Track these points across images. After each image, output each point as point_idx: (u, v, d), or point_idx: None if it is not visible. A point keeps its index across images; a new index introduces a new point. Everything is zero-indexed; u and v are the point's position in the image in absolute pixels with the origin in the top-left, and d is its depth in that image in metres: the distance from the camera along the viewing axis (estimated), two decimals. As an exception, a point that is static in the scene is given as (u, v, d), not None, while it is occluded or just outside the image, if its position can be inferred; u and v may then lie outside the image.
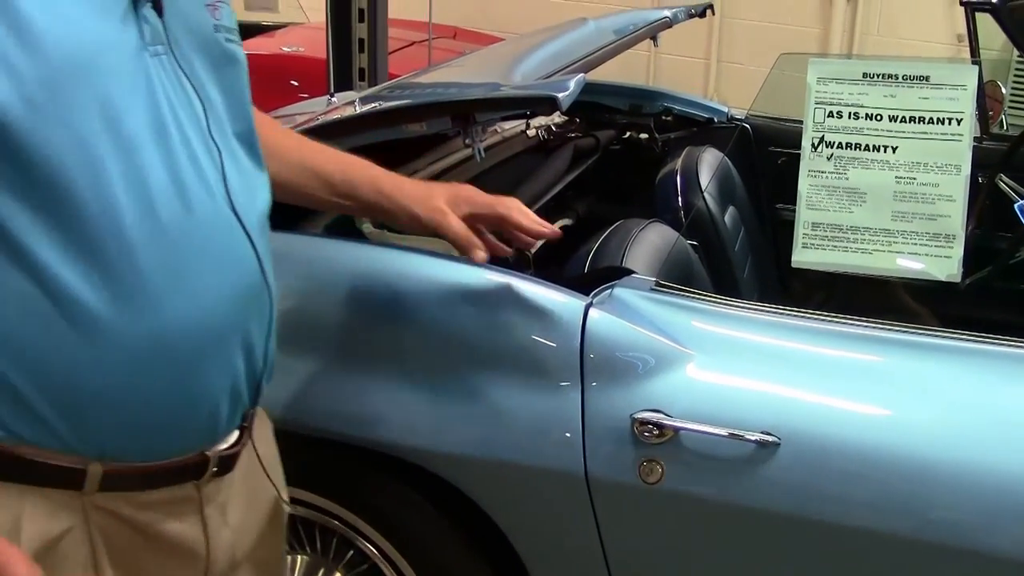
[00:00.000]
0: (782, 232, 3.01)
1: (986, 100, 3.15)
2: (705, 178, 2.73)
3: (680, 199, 2.69)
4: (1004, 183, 2.87)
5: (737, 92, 5.82)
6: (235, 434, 1.32)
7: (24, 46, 1.02)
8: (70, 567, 1.19)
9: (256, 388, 1.32)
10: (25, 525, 1.14)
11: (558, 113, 3.03)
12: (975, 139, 2.81)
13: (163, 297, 1.14)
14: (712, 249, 2.61)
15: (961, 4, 3.00)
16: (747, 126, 3.25)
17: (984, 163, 2.95)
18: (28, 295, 1.08)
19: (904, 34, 5.53)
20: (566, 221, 2.81)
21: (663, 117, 3.31)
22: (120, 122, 1.09)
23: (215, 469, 1.29)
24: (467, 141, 1.81)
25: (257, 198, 1.29)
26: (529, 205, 2.12)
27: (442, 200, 1.60)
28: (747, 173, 3.11)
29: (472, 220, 1.61)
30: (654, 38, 3.07)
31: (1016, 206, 2.53)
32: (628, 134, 3.27)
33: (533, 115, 2.65)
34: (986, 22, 3.00)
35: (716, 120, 3.31)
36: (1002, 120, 3.12)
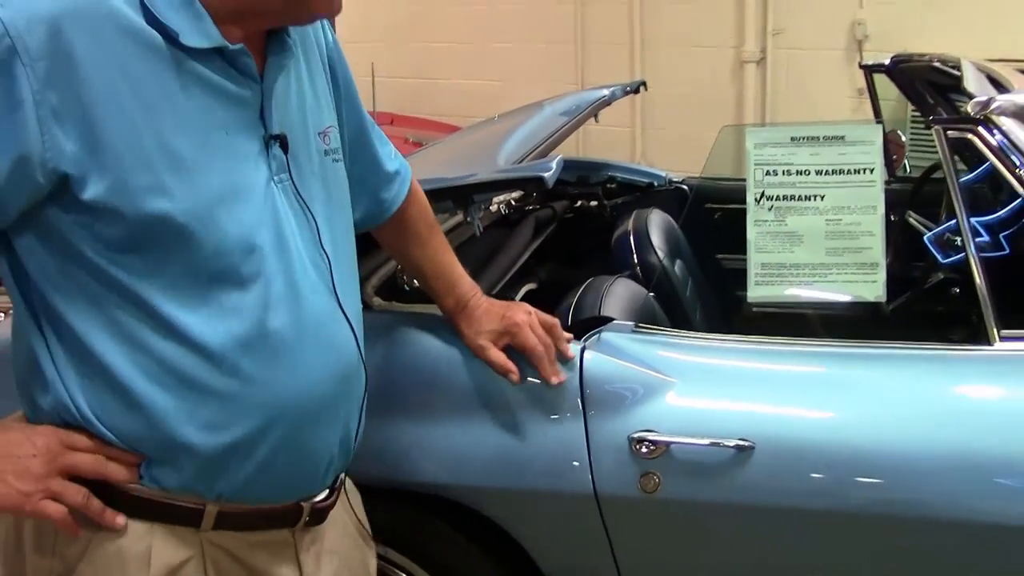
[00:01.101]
0: (725, 278, 3.34)
1: (890, 147, 3.53)
2: (655, 236, 3.05)
3: (635, 256, 2.98)
4: (913, 219, 3.24)
5: (663, 156, 6.20)
6: (327, 491, 1.62)
7: (179, 179, 1.33)
8: None
9: (349, 450, 1.63)
10: (154, 554, 1.43)
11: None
12: (884, 182, 3.21)
13: (281, 374, 1.45)
14: (668, 297, 2.89)
15: (860, 67, 3.38)
16: (684, 187, 3.60)
17: (894, 203, 3.32)
18: (175, 366, 1.39)
19: (811, 92, 5.97)
20: (531, 286, 3.13)
21: (608, 185, 3.64)
22: (253, 241, 1.40)
23: (308, 519, 1.58)
24: (468, 219, 2.14)
25: (355, 292, 1.61)
26: (500, 278, 2.46)
27: (487, 338, 1.96)
28: (688, 229, 3.44)
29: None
30: (595, 116, 3.41)
31: (925, 238, 2.88)
32: (579, 203, 3.58)
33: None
34: (883, 78, 3.40)
35: (656, 184, 3.65)
36: (905, 164, 3.46)
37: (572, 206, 3.58)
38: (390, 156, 1.88)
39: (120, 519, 1.41)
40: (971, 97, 2.22)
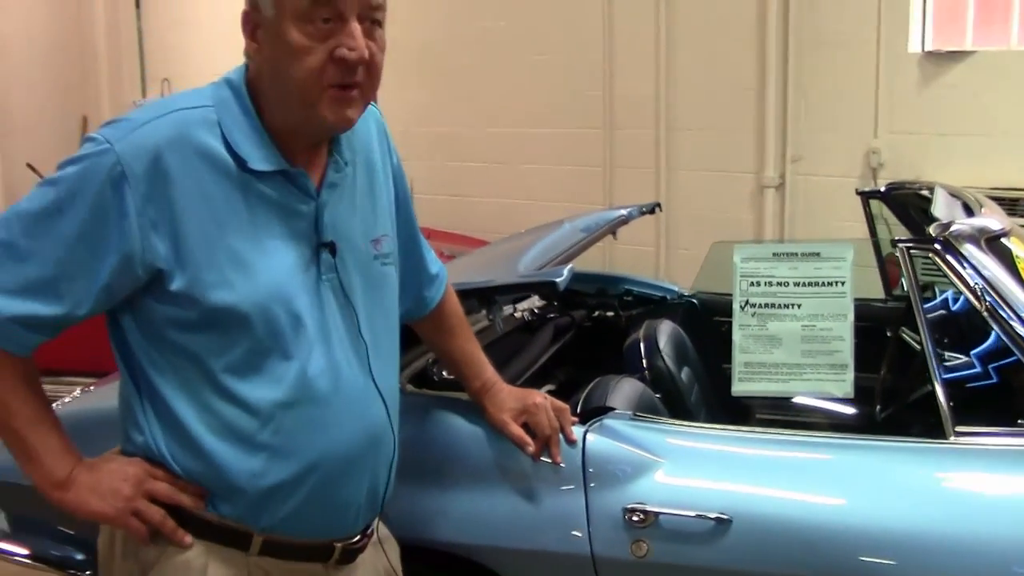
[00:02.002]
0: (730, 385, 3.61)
1: (888, 269, 3.81)
2: (664, 344, 3.33)
3: (644, 361, 3.26)
4: (906, 335, 3.51)
5: (684, 274, 6.43)
6: (358, 536, 1.94)
7: (241, 277, 1.70)
8: None
9: (376, 503, 1.94)
10: (210, 569, 1.80)
11: (537, 298, 3.71)
12: (881, 300, 3.50)
13: (315, 434, 1.79)
14: (673, 400, 3.17)
15: (857, 192, 3.69)
16: (694, 301, 3.90)
17: (890, 320, 3.61)
18: (233, 424, 1.74)
19: (827, 216, 6.24)
20: (550, 387, 3.42)
21: (625, 297, 3.96)
22: (299, 327, 1.76)
23: (338, 557, 1.91)
24: (490, 317, 2.46)
25: (391, 372, 1.94)
26: (519, 376, 2.76)
27: (509, 415, 2.30)
28: (697, 340, 3.73)
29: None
30: (614, 233, 3.74)
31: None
32: (597, 313, 3.89)
33: (529, 296, 3.31)
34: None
35: (669, 297, 3.96)
36: (901, 284, 3.74)
37: (590, 315, 3.89)
38: (433, 260, 2.26)
39: (188, 538, 1.78)
40: (936, 220, 2.53)
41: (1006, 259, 2.41)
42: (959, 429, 2.26)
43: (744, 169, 6.62)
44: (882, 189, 3.63)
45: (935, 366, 2.32)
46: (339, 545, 1.90)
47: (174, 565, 1.78)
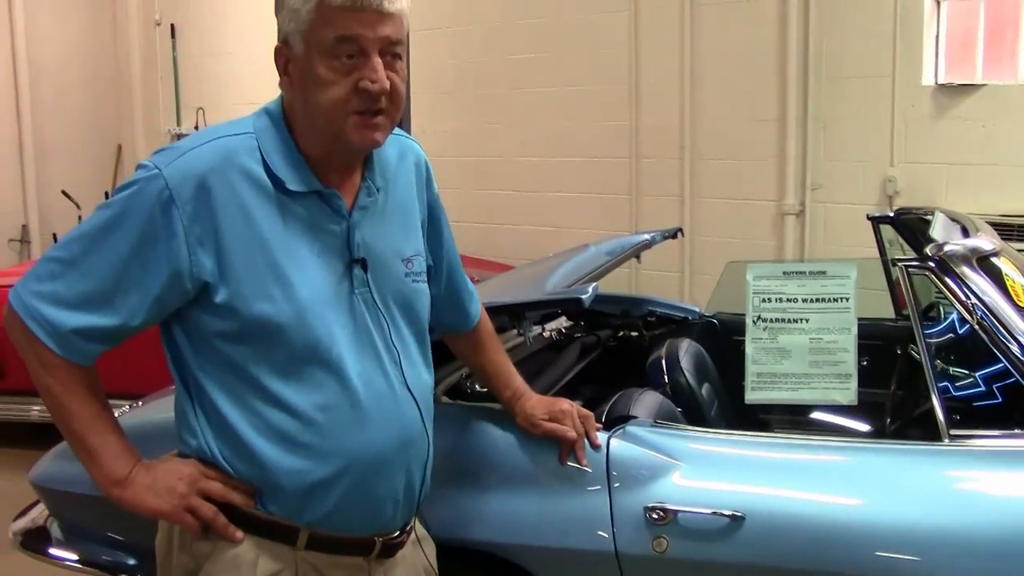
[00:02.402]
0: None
1: (898, 289, 3.98)
2: (685, 361, 3.50)
3: (666, 377, 3.43)
4: (914, 352, 3.68)
5: (707, 298, 6.64)
6: (397, 531, 2.12)
7: (283, 292, 1.90)
8: None
9: (413, 500, 2.12)
10: (260, 561, 1.97)
11: (565, 318, 3.91)
12: (892, 320, 3.67)
13: (352, 435, 1.97)
14: (693, 414, 3.34)
15: (868, 218, 3.88)
16: (714, 321, 4.09)
17: (900, 338, 3.79)
18: (277, 426, 1.93)
19: (846, 242, 6.40)
20: (578, 402, 3.62)
21: (648, 318, 4.14)
22: (334, 336, 1.94)
23: (379, 551, 2.08)
24: (519, 332, 2.67)
25: (423, 377, 2.12)
26: (547, 390, 2.96)
27: (539, 418, 2.50)
28: (717, 358, 3.91)
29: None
30: (637, 256, 3.93)
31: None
32: (622, 332, 4.09)
33: (557, 315, 3.51)
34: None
35: (690, 318, 4.15)
36: None
37: (615, 335, 4.08)
38: (470, 282, 2.45)
39: (239, 534, 1.96)
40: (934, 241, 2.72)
41: (996, 277, 2.60)
42: (953, 432, 2.45)
43: (765, 197, 6.83)
44: (891, 214, 3.81)
45: (931, 375, 2.51)
46: (380, 540, 2.07)
47: (226, 559, 1.95)
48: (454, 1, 8.10)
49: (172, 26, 10.28)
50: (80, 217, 8.88)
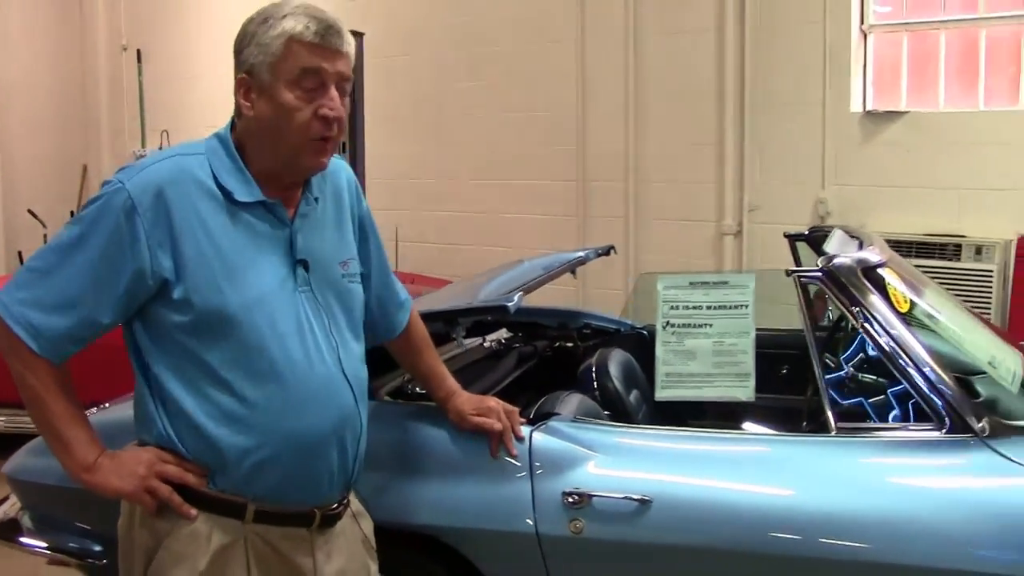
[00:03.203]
0: (676, 407, 3.92)
1: (816, 303, 4.26)
2: (613, 369, 3.74)
3: (595, 383, 3.68)
4: (829, 360, 3.97)
5: (651, 315, 6.91)
6: (336, 503, 2.38)
7: (233, 288, 2.16)
8: (234, 565, 2.23)
9: (347, 476, 2.38)
10: (214, 535, 2.21)
11: (505, 330, 4.18)
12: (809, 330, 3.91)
13: (291, 415, 2.21)
14: (621, 418, 3.55)
15: (784, 236, 4.16)
16: (645, 332, 4.35)
17: (815, 347, 4.07)
18: (227, 410, 2.18)
19: (781, 261, 6.60)
20: (521, 409, 3.88)
21: (584, 330, 4.41)
22: (278, 328, 2.20)
23: (319, 522, 2.33)
24: (453, 335, 2.95)
25: (360, 366, 2.39)
26: (484, 394, 3.21)
27: (468, 414, 2.77)
28: (647, 367, 4.14)
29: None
30: (573, 272, 4.19)
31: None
32: (558, 343, 4.35)
33: (492, 323, 3.78)
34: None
35: (623, 330, 4.41)
36: (828, 315, 4.18)
37: (552, 345, 4.33)
38: (401, 290, 2.74)
39: (193, 512, 2.20)
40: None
41: (879, 286, 2.90)
42: (839, 425, 2.75)
43: (705, 218, 7.14)
44: (805, 232, 4.10)
45: (820, 375, 2.81)
46: (319, 512, 2.32)
47: (183, 534, 2.20)
48: (409, 30, 8.41)
49: (138, 51, 10.56)
50: (45, 236, 9.08)
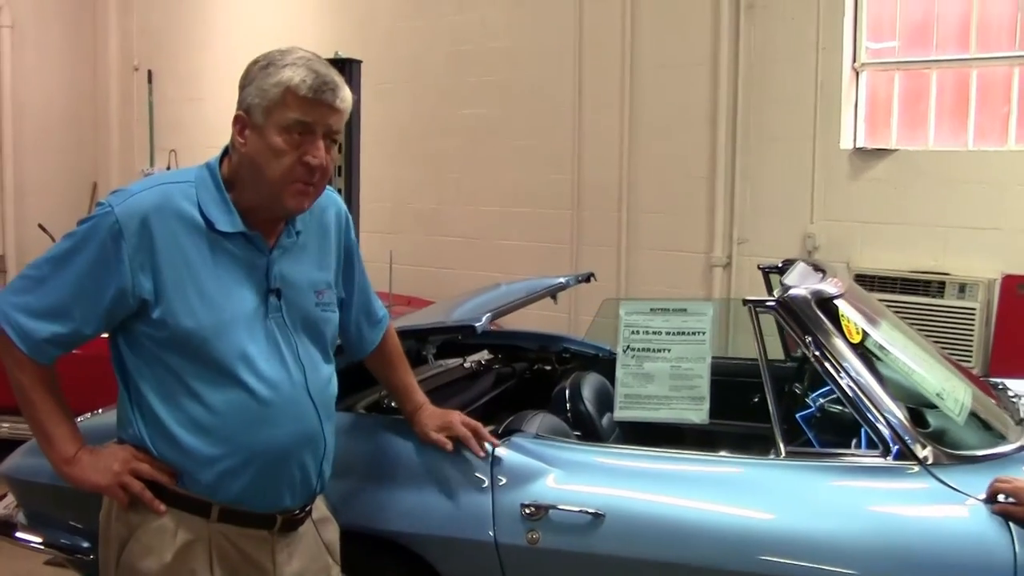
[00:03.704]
0: (650, 431, 3.99)
1: (787, 335, 4.36)
2: (586, 392, 3.85)
3: (568, 405, 3.80)
4: (797, 390, 4.09)
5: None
6: (298, 509, 2.51)
7: (207, 311, 2.32)
8: (198, 559, 2.38)
9: (309, 488, 2.52)
10: (179, 530, 2.37)
11: (486, 351, 4.31)
12: (780, 361, 4.05)
13: (259, 433, 2.37)
14: (591, 439, 3.69)
15: (758, 267, 4.28)
16: (623, 358, 4.48)
17: (786, 378, 4.19)
18: (198, 420, 2.33)
19: (766, 293, 6.76)
20: (492, 427, 4.00)
21: (563, 354, 4.54)
22: (247, 351, 2.35)
23: (280, 526, 2.47)
24: (424, 352, 3.08)
25: (327, 388, 2.53)
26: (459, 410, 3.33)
27: (432, 428, 2.93)
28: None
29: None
30: (553, 297, 4.32)
31: (798, 416, 3.46)
32: (536, 366, 4.48)
33: (474, 344, 3.93)
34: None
35: (600, 355, 4.53)
36: (799, 347, 4.28)
37: (531, 368, 4.47)
38: (379, 308, 2.89)
39: (162, 507, 2.36)
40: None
41: (833, 317, 3.02)
42: (788, 449, 2.87)
43: (696, 249, 7.26)
44: (779, 264, 4.20)
45: (772, 401, 2.92)
46: (280, 517, 2.47)
47: (152, 528, 2.36)
48: (412, 58, 8.58)
49: (149, 72, 10.72)
50: (53, 251, 9.21)
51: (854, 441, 3.09)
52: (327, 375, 2.55)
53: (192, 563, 2.36)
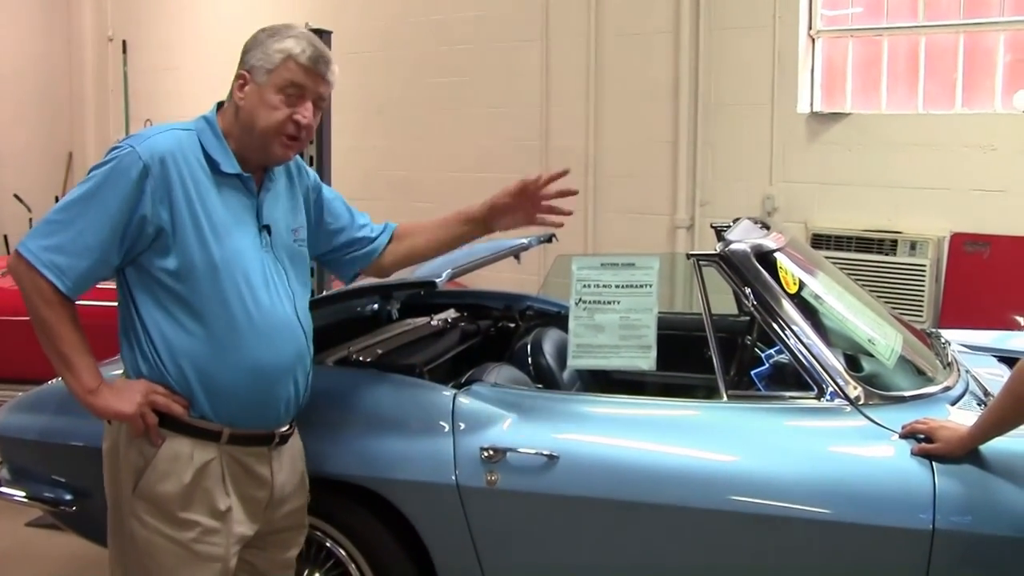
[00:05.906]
0: (612, 388, 4.27)
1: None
2: (547, 346, 4.04)
3: (529, 359, 3.99)
4: (749, 342, 4.29)
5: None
6: (287, 425, 2.80)
7: (214, 239, 2.58)
8: (213, 477, 2.64)
9: (299, 401, 2.79)
10: (195, 454, 2.63)
11: (453, 310, 4.49)
12: (734, 315, 4.23)
13: (256, 349, 2.63)
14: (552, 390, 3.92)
15: (711, 227, 4.47)
16: (583, 314, 4.66)
17: (741, 330, 4.38)
18: (207, 342, 2.58)
19: None
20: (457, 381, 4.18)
21: (527, 312, 4.71)
22: (249, 276, 2.63)
23: (277, 441, 2.76)
24: (388, 308, 3.27)
25: (308, 312, 2.80)
26: (427, 364, 3.52)
27: (498, 196, 3.25)
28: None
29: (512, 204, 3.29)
30: (517, 257, 4.47)
31: (752, 373, 3.64)
32: (501, 323, 4.66)
33: (442, 304, 4.12)
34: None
35: (562, 312, 4.68)
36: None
37: (495, 325, 4.64)
38: (369, 221, 3.18)
39: (160, 440, 2.59)
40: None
41: (771, 268, 3.21)
42: (730, 393, 3.08)
43: (660, 212, 7.48)
44: (731, 224, 4.38)
45: (715, 350, 3.11)
46: (277, 433, 2.76)
47: (169, 454, 2.60)
48: (384, 27, 8.73)
49: (124, 42, 10.84)
50: (31, 220, 9.37)
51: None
52: (307, 301, 2.84)
53: (206, 482, 2.63)
